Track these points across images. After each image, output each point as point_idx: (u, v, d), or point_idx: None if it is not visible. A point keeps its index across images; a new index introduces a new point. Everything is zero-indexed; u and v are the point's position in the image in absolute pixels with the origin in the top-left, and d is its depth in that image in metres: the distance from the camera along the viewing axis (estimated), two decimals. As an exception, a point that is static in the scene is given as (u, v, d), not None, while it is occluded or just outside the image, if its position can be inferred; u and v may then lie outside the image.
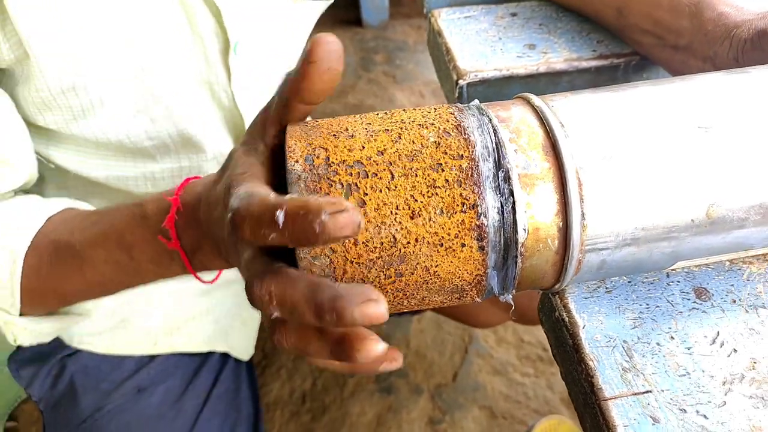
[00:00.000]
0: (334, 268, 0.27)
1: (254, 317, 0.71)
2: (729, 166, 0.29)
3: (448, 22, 0.52)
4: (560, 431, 0.85)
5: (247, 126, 0.55)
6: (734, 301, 0.33)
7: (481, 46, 0.49)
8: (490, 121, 0.29)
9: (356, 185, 0.27)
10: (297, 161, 0.27)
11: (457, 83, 0.46)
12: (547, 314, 0.35)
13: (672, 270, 0.34)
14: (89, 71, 0.44)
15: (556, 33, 0.50)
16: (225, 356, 0.66)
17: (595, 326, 0.32)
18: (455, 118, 0.29)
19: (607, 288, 0.34)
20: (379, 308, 0.23)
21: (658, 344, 0.31)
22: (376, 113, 0.30)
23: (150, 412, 0.59)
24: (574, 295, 0.33)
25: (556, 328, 0.33)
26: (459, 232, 0.27)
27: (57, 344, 0.60)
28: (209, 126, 0.53)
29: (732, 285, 0.34)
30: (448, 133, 0.28)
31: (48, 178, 0.55)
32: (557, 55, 0.48)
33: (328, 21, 1.79)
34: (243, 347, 0.68)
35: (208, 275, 0.40)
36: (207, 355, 0.65)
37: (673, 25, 0.41)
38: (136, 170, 0.53)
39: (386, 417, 0.93)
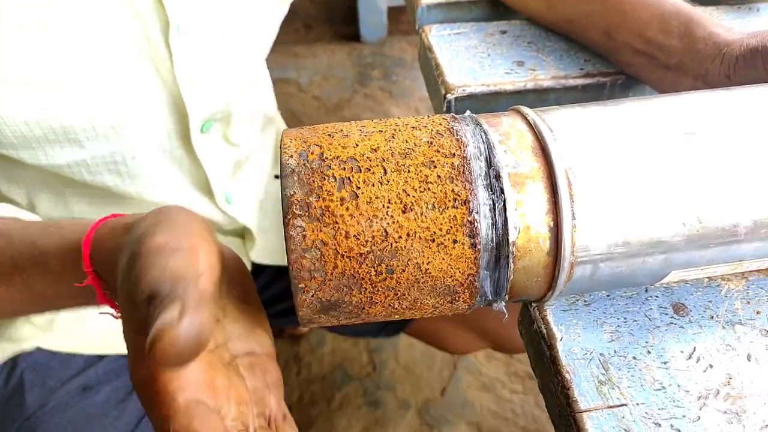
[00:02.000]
0: (325, 261, 0.27)
1: None
2: (715, 170, 0.29)
3: (438, 38, 0.53)
4: (547, 449, 0.85)
5: (190, 112, 0.53)
6: (712, 317, 0.33)
7: (469, 62, 0.50)
8: (481, 126, 0.30)
9: (349, 179, 0.27)
10: (291, 156, 0.28)
11: (445, 97, 0.47)
12: (526, 327, 0.35)
13: (651, 286, 0.34)
14: (11, 40, 0.43)
15: (544, 51, 0.51)
16: None
17: (573, 339, 0.32)
18: (447, 122, 0.30)
19: (585, 301, 0.34)
20: None
21: (634, 358, 0.32)
22: (370, 120, 0.31)
23: (93, 410, 0.58)
24: (553, 308, 0.33)
25: (534, 340, 0.34)
26: (451, 227, 0.27)
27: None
28: (147, 103, 0.52)
29: (710, 301, 0.34)
30: (441, 134, 0.29)
31: None
32: (545, 72, 0.48)
33: (326, 36, 1.81)
34: None
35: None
36: None
37: (664, 45, 0.42)
38: (66, 157, 0.51)
39: (374, 431, 0.92)
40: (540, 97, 0.48)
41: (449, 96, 0.47)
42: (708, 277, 0.35)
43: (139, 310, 0.25)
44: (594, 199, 0.28)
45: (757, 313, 0.33)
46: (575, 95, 0.48)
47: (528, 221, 0.28)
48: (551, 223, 0.28)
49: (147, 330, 0.23)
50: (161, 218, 0.28)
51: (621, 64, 0.47)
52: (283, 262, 0.69)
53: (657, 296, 0.34)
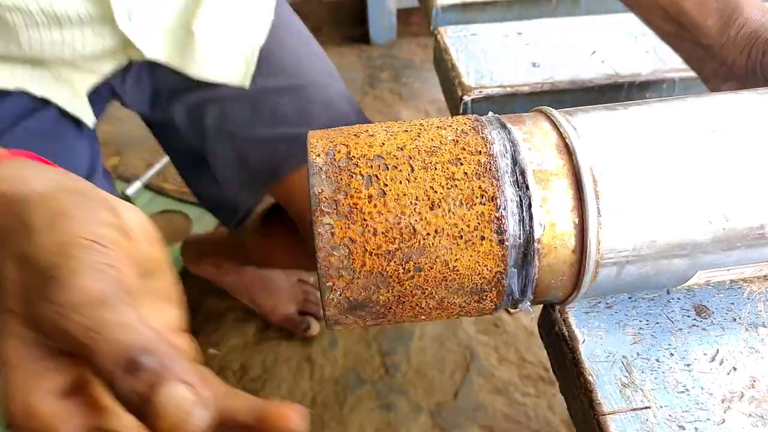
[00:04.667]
0: (353, 259, 0.27)
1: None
2: (742, 169, 0.29)
3: (454, 39, 0.52)
4: (561, 452, 0.84)
5: None
6: (734, 320, 0.33)
7: (486, 63, 0.50)
8: (504, 125, 0.30)
9: (376, 176, 0.27)
10: (318, 155, 0.28)
11: (461, 99, 0.47)
12: (546, 329, 0.35)
13: (673, 288, 0.34)
14: None
15: (561, 52, 0.51)
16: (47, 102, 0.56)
17: (595, 341, 0.32)
18: (471, 121, 0.30)
19: (607, 303, 0.34)
20: None
21: (657, 360, 0.31)
22: (394, 121, 0.31)
23: None
24: (574, 310, 0.33)
25: (555, 342, 0.33)
26: (479, 224, 0.27)
27: None
28: None
29: (732, 303, 0.34)
30: (466, 132, 0.29)
31: None
32: (561, 73, 0.48)
33: (335, 38, 1.81)
34: (78, 105, 0.58)
35: None
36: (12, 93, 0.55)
37: (698, 21, 0.40)
38: None
39: (385, 434, 0.92)
40: (557, 98, 0.48)
41: (466, 98, 0.47)
42: (730, 280, 0.35)
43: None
44: (620, 196, 0.28)
45: (781, 315, 0.33)
46: (592, 96, 0.48)
47: (553, 218, 0.27)
48: (576, 220, 0.28)
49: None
50: (57, 228, 0.21)
51: (649, 26, 0.44)
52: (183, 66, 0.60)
53: (679, 298, 0.34)
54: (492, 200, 0.27)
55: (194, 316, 1.10)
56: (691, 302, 0.34)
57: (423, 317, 0.30)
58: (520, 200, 0.27)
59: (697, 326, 0.33)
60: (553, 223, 0.27)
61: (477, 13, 0.57)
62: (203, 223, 1.24)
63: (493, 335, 1.05)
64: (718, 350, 0.32)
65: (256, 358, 1.02)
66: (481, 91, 0.47)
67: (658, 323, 0.33)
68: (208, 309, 1.10)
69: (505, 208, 0.27)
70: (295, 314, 1.04)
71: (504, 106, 0.47)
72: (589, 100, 0.48)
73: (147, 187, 1.32)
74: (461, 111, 0.47)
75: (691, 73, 0.43)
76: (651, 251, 0.29)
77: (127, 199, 1.01)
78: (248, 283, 1.06)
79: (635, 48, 0.51)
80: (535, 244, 0.27)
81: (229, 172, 0.65)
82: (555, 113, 0.30)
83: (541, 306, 0.35)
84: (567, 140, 0.28)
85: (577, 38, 0.52)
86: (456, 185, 0.27)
